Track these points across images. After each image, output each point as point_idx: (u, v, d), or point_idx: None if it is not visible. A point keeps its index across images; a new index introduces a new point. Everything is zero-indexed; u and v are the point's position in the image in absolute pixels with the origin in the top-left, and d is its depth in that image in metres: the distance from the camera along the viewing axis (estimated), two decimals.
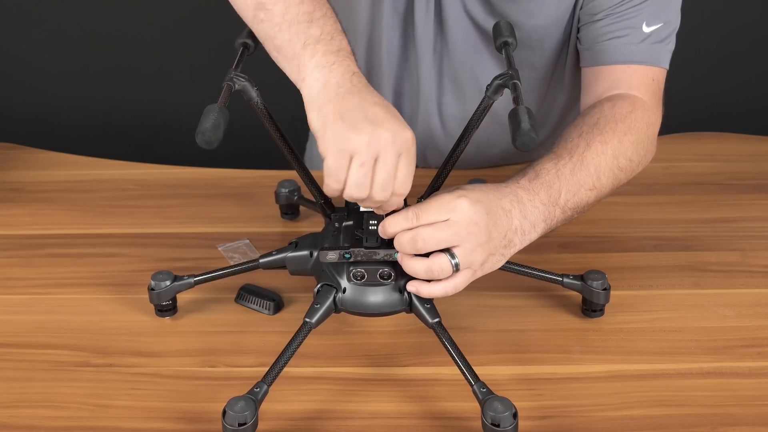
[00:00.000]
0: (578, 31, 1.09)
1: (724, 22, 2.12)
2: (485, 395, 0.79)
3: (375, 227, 0.87)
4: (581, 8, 1.07)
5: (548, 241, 1.01)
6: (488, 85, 0.85)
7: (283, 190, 1.14)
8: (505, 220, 0.85)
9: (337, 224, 0.91)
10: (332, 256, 0.86)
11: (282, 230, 1.14)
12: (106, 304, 1.00)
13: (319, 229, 0.96)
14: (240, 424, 0.77)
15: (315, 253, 0.91)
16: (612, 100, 1.02)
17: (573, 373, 0.90)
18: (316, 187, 0.94)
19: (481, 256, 0.84)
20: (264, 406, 0.80)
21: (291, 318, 0.97)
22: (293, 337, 0.84)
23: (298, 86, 0.84)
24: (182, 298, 0.99)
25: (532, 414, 0.84)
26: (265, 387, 0.80)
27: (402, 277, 0.86)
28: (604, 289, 0.95)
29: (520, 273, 0.97)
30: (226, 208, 1.19)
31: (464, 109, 1.18)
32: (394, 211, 0.84)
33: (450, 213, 0.82)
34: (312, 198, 0.96)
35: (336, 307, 0.87)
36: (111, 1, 2.12)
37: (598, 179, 0.94)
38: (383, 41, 1.14)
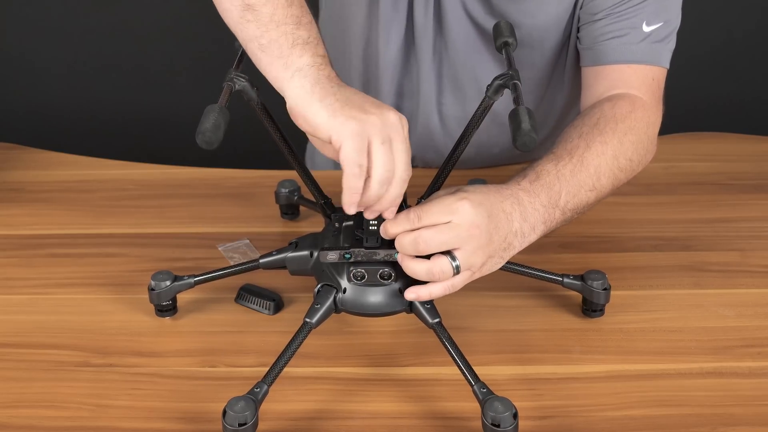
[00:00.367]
0: (578, 31, 1.09)
1: (725, 22, 2.11)
2: (485, 395, 0.79)
3: (375, 227, 0.87)
4: (581, 8, 1.07)
5: (548, 241, 1.00)
6: (488, 85, 0.85)
7: (283, 190, 1.14)
8: (506, 223, 0.85)
9: (337, 224, 0.91)
10: (332, 256, 0.86)
11: (282, 230, 1.14)
12: (106, 304, 1.00)
13: (319, 229, 0.96)
14: (240, 424, 0.77)
15: (315, 254, 0.91)
16: (612, 99, 1.02)
17: (573, 373, 0.90)
18: (316, 187, 0.94)
19: (481, 259, 0.84)
20: (264, 406, 0.80)
21: (291, 318, 0.97)
22: (293, 337, 0.85)
23: (281, 85, 0.82)
24: (182, 298, 0.99)
25: (532, 414, 0.84)
26: (266, 387, 0.80)
27: (402, 277, 0.86)
28: (605, 289, 0.95)
29: (520, 273, 0.97)
30: (226, 208, 1.19)
31: (464, 110, 1.18)
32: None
33: (452, 215, 0.82)
34: (312, 198, 0.96)
35: (336, 308, 0.87)
36: (111, 1, 2.12)
37: (599, 180, 0.94)
38: (382, 41, 1.14)
